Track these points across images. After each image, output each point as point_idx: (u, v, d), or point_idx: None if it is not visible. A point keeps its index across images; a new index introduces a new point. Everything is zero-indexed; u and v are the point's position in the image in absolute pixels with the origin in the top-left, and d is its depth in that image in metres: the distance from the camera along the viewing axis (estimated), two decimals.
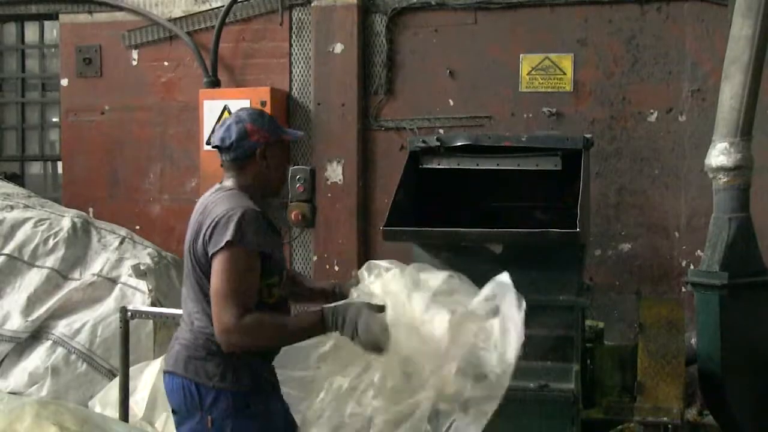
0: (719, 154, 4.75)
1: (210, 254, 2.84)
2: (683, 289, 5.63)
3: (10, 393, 4.60)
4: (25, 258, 5.18)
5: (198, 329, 2.95)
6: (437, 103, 6.32)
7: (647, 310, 4.38)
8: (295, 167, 6.41)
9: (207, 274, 2.87)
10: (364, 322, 2.75)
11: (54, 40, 7.31)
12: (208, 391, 2.92)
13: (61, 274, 5.14)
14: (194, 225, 2.96)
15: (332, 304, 2.88)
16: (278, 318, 2.92)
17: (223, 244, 2.80)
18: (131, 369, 4.22)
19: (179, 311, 3.80)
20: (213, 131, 3.15)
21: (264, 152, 3.01)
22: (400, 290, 2.86)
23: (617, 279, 6.05)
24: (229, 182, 3.05)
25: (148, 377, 4.44)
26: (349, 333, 2.77)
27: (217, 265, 2.81)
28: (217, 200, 2.95)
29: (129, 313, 3.97)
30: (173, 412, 3.05)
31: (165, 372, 3.05)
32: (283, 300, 3.04)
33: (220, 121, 3.17)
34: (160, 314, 4.25)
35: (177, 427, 3.05)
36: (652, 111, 6.01)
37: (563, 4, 6.09)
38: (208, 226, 2.86)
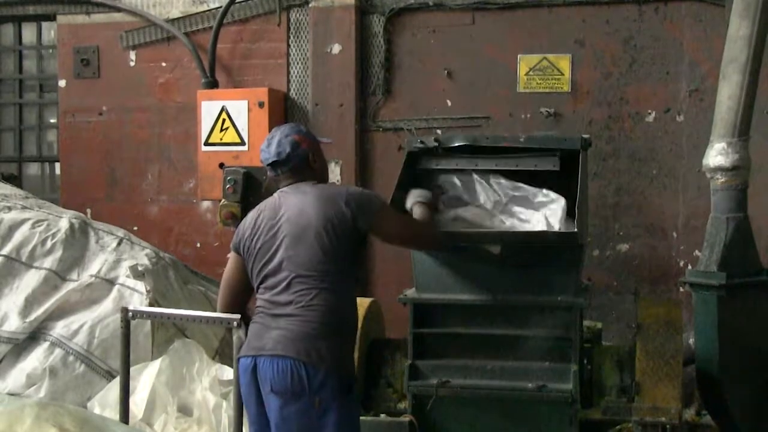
0: (717, 155, 4.75)
1: (372, 219, 3.42)
2: (681, 290, 5.63)
3: (8, 394, 4.59)
4: (23, 259, 5.17)
5: (324, 307, 3.30)
6: (435, 103, 6.33)
7: (645, 311, 4.38)
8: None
9: (349, 240, 3.38)
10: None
11: (52, 40, 7.31)
12: (317, 372, 3.23)
13: (59, 275, 5.14)
14: (318, 208, 3.37)
15: (416, 194, 3.91)
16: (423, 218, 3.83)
17: (382, 204, 3.53)
18: (130, 370, 4.22)
19: (179, 312, 3.85)
20: (263, 152, 3.57)
21: (314, 157, 3.54)
22: None
23: (615, 279, 6.06)
24: (297, 185, 3.52)
25: (147, 378, 4.44)
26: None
27: (389, 217, 3.54)
28: (330, 186, 3.65)
29: (130, 314, 3.97)
30: (275, 393, 3.26)
31: (256, 357, 3.30)
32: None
33: (266, 142, 3.58)
34: (161, 315, 4.24)
35: (280, 410, 3.26)
36: (650, 111, 6.02)
37: (561, 5, 6.09)
38: (352, 201, 3.41)
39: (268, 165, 3.53)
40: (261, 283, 3.45)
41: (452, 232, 4.01)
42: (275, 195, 3.55)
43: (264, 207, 3.54)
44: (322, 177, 3.62)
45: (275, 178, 3.56)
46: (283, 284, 3.36)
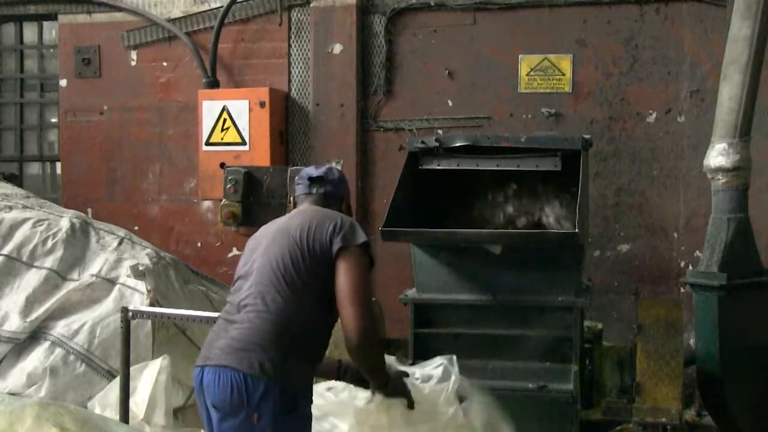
0: (718, 155, 4.75)
1: (337, 248, 3.11)
2: (682, 290, 5.63)
3: (8, 394, 4.59)
4: (24, 258, 5.16)
5: (278, 318, 3.04)
6: (436, 103, 6.33)
7: (646, 311, 4.38)
8: (293, 167, 6.41)
9: (319, 263, 3.11)
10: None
11: (53, 40, 7.31)
12: (258, 384, 2.96)
13: (59, 275, 5.13)
14: (306, 220, 3.21)
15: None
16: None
17: (360, 241, 3.14)
18: (131, 369, 4.22)
19: (179, 311, 3.81)
20: (308, 169, 3.53)
21: (347, 199, 3.50)
22: None
23: (616, 280, 6.05)
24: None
25: (147, 378, 4.44)
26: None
27: (348, 261, 3.10)
28: (325, 210, 3.32)
29: (130, 314, 3.97)
30: (214, 407, 3.04)
31: (203, 366, 3.07)
32: None
33: (314, 166, 3.58)
34: (161, 314, 4.24)
35: (218, 424, 3.03)
36: (650, 112, 6.02)
37: (562, 5, 6.09)
38: (334, 224, 3.17)
39: (308, 179, 3.42)
40: (233, 285, 3.28)
41: (452, 231, 4.01)
42: (293, 211, 3.50)
43: (271, 223, 3.44)
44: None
45: (303, 196, 3.44)
46: (246, 287, 3.17)
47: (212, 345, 3.10)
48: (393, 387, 3.25)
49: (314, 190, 3.42)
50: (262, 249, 3.23)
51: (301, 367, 3.06)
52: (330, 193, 3.42)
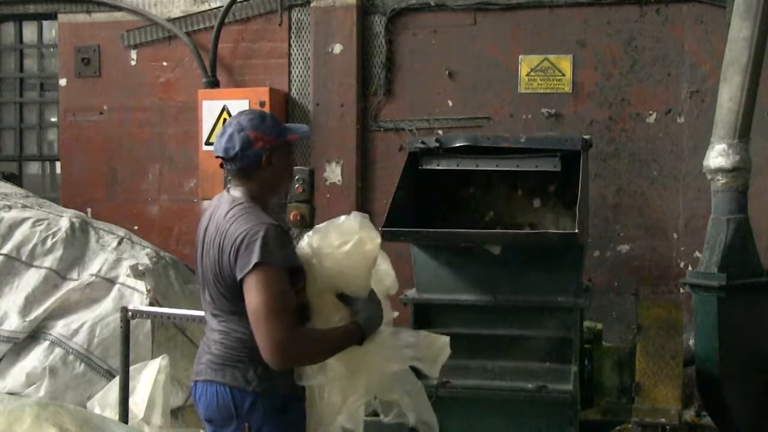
0: (717, 156, 4.76)
1: (239, 278, 2.78)
2: (681, 291, 5.63)
3: (7, 393, 4.59)
4: (23, 258, 5.17)
5: (234, 335, 2.90)
6: (436, 104, 6.33)
7: (645, 311, 4.39)
8: (293, 168, 6.41)
9: (234, 292, 2.83)
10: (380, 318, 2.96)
11: (52, 39, 7.30)
12: (245, 396, 2.89)
13: (59, 275, 5.13)
14: (213, 243, 2.91)
15: (361, 314, 2.92)
16: (319, 330, 2.91)
17: (251, 266, 2.75)
18: (130, 369, 4.22)
19: (179, 311, 3.79)
20: (216, 140, 3.08)
21: (270, 158, 2.97)
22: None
23: (616, 280, 6.05)
24: (237, 192, 3.01)
25: (147, 378, 4.44)
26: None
27: (252, 287, 2.76)
28: (232, 218, 2.90)
29: (130, 313, 3.97)
30: (207, 421, 2.99)
31: (196, 382, 3.00)
32: (304, 306, 2.97)
33: (221, 129, 3.04)
34: (161, 314, 4.24)
35: None
36: (650, 112, 6.02)
37: (562, 6, 6.09)
38: (232, 247, 2.81)
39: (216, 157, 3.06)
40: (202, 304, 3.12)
41: (452, 232, 4.01)
42: (214, 199, 3.16)
43: (205, 214, 3.13)
44: (278, 183, 3.08)
45: (225, 172, 3.10)
46: (209, 309, 3.03)
47: (199, 360, 3.04)
48: (369, 329, 2.93)
49: (228, 168, 3.03)
50: (201, 266, 3.01)
51: (284, 374, 2.91)
52: (243, 167, 2.97)
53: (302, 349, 2.82)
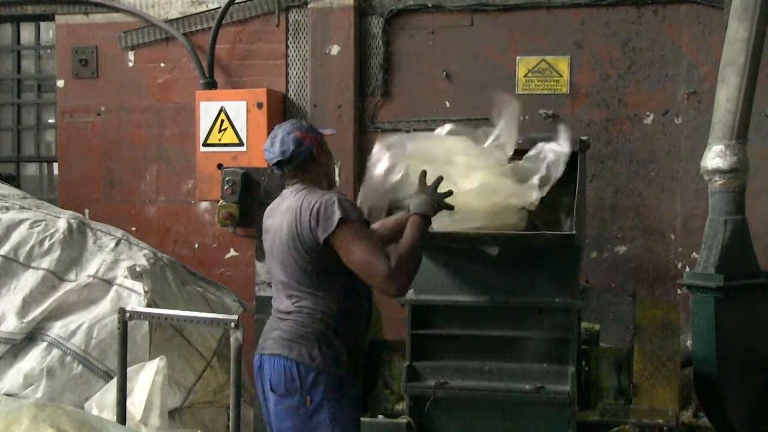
0: (715, 157, 4.76)
1: (323, 238, 3.29)
2: (679, 291, 5.64)
3: (5, 394, 4.58)
4: (21, 259, 5.15)
5: (306, 312, 3.39)
6: (434, 104, 6.33)
7: (643, 312, 4.38)
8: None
9: (315, 260, 3.34)
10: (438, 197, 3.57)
11: (50, 41, 7.30)
12: (309, 371, 3.34)
13: (56, 276, 5.12)
14: (285, 224, 3.38)
15: (415, 204, 3.52)
16: (402, 244, 3.39)
17: (336, 224, 3.27)
18: (128, 370, 4.21)
19: (177, 312, 3.86)
20: (266, 151, 3.55)
21: (318, 151, 3.52)
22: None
23: (613, 281, 6.06)
24: (298, 185, 3.51)
25: (144, 379, 4.43)
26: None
27: (343, 241, 3.28)
28: (302, 197, 3.40)
29: (127, 314, 3.96)
30: (271, 390, 3.42)
31: (261, 355, 3.47)
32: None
33: (268, 141, 3.56)
34: (158, 315, 4.23)
35: (274, 406, 3.43)
36: (648, 113, 6.03)
37: (560, 7, 6.10)
38: (311, 216, 3.31)
39: (273, 165, 3.54)
40: (272, 283, 3.62)
41: (450, 233, 4.00)
42: (282, 193, 3.63)
43: (272, 206, 3.64)
44: (328, 173, 3.62)
45: (282, 175, 3.59)
46: (279, 288, 3.52)
47: (267, 335, 3.50)
48: (424, 208, 3.52)
49: (285, 171, 3.54)
50: (274, 253, 3.49)
51: (344, 351, 3.41)
52: (299, 165, 3.50)
53: (407, 266, 3.34)
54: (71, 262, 5.18)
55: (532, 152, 3.95)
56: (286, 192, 3.57)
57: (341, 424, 3.42)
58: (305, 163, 3.49)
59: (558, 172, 3.88)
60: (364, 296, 3.58)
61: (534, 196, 3.86)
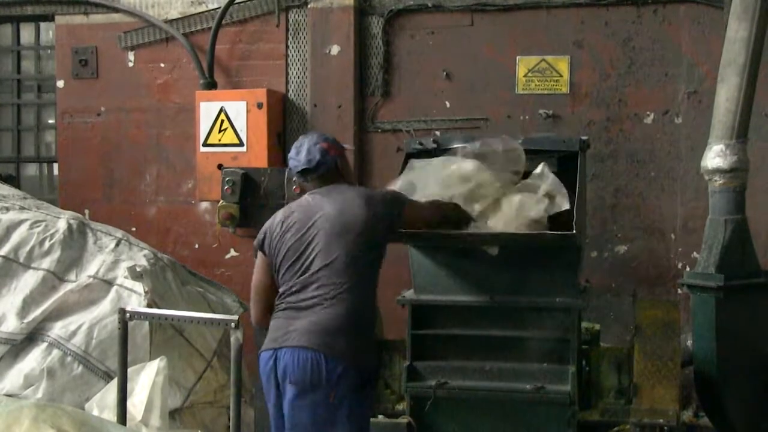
0: (715, 156, 4.76)
1: (397, 212, 3.68)
2: (679, 291, 5.64)
3: (5, 395, 4.58)
4: (21, 260, 5.15)
5: (342, 304, 3.47)
6: (434, 104, 6.33)
7: (643, 312, 4.39)
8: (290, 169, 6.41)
9: (374, 244, 3.62)
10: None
11: (50, 41, 7.30)
12: (336, 366, 3.39)
13: (57, 276, 5.12)
14: (351, 207, 3.59)
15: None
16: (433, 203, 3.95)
17: (406, 201, 3.76)
18: (128, 371, 4.21)
19: (177, 313, 3.86)
20: (292, 159, 3.77)
21: (342, 162, 3.76)
22: None
23: (613, 281, 6.06)
24: (324, 188, 3.72)
25: (145, 379, 4.43)
26: None
27: (415, 208, 3.79)
28: (345, 188, 3.70)
29: (128, 315, 3.96)
30: (291, 384, 3.43)
31: (281, 347, 3.48)
32: None
33: (294, 151, 3.77)
34: (159, 316, 4.23)
35: (294, 399, 3.43)
36: (648, 113, 6.03)
37: (560, 6, 6.10)
38: (378, 202, 3.65)
39: (297, 172, 3.72)
40: (289, 279, 3.61)
41: (449, 233, 4.01)
42: (306, 197, 3.74)
43: (295, 207, 3.72)
44: (348, 181, 3.83)
45: (304, 184, 3.80)
46: (312, 281, 3.54)
47: (286, 329, 3.51)
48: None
49: (309, 179, 3.74)
50: (319, 243, 3.56)
51: (368, 349, 3.55)
52: (324, 174, 3.71)
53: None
54: (71, 262, 5.18)
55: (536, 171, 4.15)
56: (308, 196, 3.73)
57: (358, 424, 3.47)
58: (329, 172, 3.70)
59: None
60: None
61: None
